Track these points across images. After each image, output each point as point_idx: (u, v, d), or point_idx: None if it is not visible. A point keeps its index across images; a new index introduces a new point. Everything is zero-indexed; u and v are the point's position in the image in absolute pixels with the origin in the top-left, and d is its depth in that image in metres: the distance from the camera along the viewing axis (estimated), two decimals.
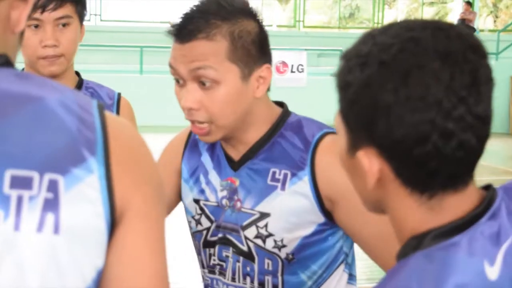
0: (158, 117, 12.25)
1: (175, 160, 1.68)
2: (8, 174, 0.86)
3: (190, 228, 1.66)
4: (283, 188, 1.51)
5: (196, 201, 1.62)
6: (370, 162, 0.96)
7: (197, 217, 1.62)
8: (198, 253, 1.66)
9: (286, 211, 1.51)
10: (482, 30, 20.29)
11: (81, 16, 2.08)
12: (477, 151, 0.95)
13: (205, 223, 1.60)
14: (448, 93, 0.90)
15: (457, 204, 0.96)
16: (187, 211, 1.66)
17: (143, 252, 0.93)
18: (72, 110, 0.91)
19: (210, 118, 1.48)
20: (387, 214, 1.02)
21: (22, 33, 0.98)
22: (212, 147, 1.62)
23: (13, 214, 0.86)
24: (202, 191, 1.61)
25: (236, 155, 1.57)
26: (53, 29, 2.00)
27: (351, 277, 1.61)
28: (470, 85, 0.92)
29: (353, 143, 0.98)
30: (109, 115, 0.95)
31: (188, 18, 1.47)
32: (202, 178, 1.62)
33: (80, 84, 2.24)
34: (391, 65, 0.92)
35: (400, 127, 0.91)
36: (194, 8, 1.48)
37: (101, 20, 17.54)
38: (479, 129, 0.93)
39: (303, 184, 1.50)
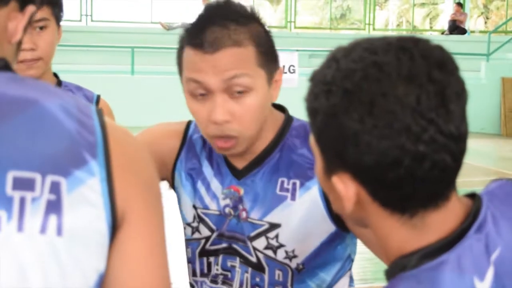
0: (149, 117, 12.20)
1: (167, 153, 1.60)
2: (11, 176, 0.87)
3: (185, 234, 1.61)
4: (293, 198, 1.48)
5: (195, 208, 1.57)
6: (346, 186, 0.95)
7: (194, 224, 1.57)
8: (190, 261, 1.61)
9: (298, 221, 1.48)
10: (473, 31, 20.36)
11: (58, 18, 2.07)
12: (453, 169, 0.94)
13: (205, 232, 1.56)
14: (415, 117, 0.89)
15: (441, 221, 0.95)
16: (182, 217, 1.61)
17: (144, 255, 0.94)
18: (72, 114, 0.92)
19: (241, 130, 1.42)
20: (373, 233, 1.00)
21: (19, 44, 0.99)
22: (210, 153, 1.56)
23: (16, 216, 0.86)
24: (201, 198, 1.56)
25: (240, 163, 1.52)
26: (30, 33, 1.97)
27: (351, 280, 1.61)
28: (438, 105, 0.90)
29: (328, 167, 0.97)
30: (108, 119, 0.96)
31: (208, 26, 1.40)
32: (200, 185, 1.56)
33: (58, 85, 2.21)
34: (355, 94, 0.91)
35: (370, 153, 0.90)
36: (208, 15, 1.43)
37: (92, 21, 17.50)
38: (453, 147, 0.92)
39: (314, 193, 1.47)
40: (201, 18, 1.43)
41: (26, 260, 0.86)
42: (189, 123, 1.61)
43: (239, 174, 1.52)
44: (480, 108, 14.28)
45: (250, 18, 1.44)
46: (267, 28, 1.47)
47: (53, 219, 0.87)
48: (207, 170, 1.56)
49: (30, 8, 0.98)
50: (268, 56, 1.44)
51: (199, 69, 1.40)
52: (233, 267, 1.54)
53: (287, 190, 1.49)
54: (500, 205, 0.99)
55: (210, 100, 1.41)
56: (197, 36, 1.40)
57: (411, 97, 0.89)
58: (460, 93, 0.93)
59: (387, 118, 0.89)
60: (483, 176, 9.92)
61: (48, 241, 0.87)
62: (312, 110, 0.97)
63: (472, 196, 1.00)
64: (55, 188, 0.88)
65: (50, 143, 0.89)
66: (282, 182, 1.49)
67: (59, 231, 0.87)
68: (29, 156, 0.88)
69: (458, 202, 0.97)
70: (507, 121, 14.29)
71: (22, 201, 0.86)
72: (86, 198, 0.89)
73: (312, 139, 1.01)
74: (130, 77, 13.66)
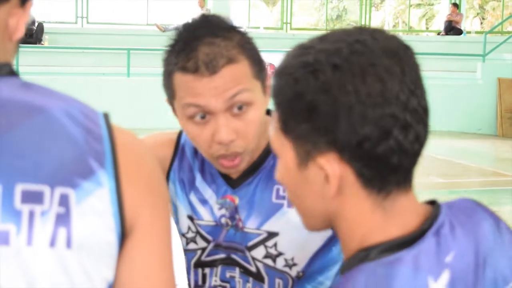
0: (145, 119, 12.20)
1: (159, 164, 1.58)
2: (19, 189, 0.86)
3: (181, 244, 1.58)
4: (289, 205, 1.45)
5: (190, 219, 1.54)
6: (332, 167, 0.95)
7: (190, 235, 1.54)
8: (187, 272, 1.59)
9: (295, 228, 1.44)
10: (469, 32, 20.39)
11: None
12: (424, 145, 0.99)
13: (201, 243, 1.53)
14: (402, 87, 0.94)
15: (405, 211, 0.98)
16: (178, 228, 1.57)
17: (151, 264, 0.93)
18: (79, 121, 0.91)
19: (245, 146, 1.40)
20: (337, 227, 1.01)
21: (18, 42, 0.98)
22: (202, 161, 1.54)
23: (26, 229, 0.85)
24: (195, 209, 1.52)
25: (234, 172, 1.49)
26: None
27: None
28: (415, 79, 0.97)
29: (304, 155, 0.97)
30: (116, 126, 0.95)
31: (197, 47, 1.36)
32: (194, 195, 1.53)
33: None
34: (346, 67, 0.94)
35: (364, 125, 0.93)
36: (192, 35, 1.38)
37: (87, 23, 17.49)
38: (427, 122, 0.98)
39: None
40: (186, 39, 1.38)
41: (36, 274, 0.86)
42: (181, 132, 1.58)
43: (234, 183, 1.50)
44: (476, 109, 14.30)
45: (232, 30, 1.41)
46: (248, 35, 1.44)
47: (62, 232, 0.86)
48: (201, 179, 1.53)
49: (30, 3, 0.97)
50: (259, 65, 1.42)
51: (198, 93, 1.36)
52: (233, 277, 1.52)
53: (283, 197, 1.47)
54: (459, 214, 1.03)
55: (211, 121, 1.38)
56: (188, 59, 1.36)
57: (396, 67, 0.95)
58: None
59: (379, 87, 0.93)
60: (479, 176, 9.93)
61: (58, 254, 0.86)
62: (292, 96, 0.97)
63: (432, 202, 1.03)
64: (64, 201, 0.87)
65: (58, 153, 0.88)
66: (278, 190, 1.47)
67: (69, 244, 0.87)
68: (37, 167, 0.87)
69: (418, 204, 1.01)
70: (504, 122, 14.31)
71: (31, 214, 0.86)
72: (95, 209, 0.88)
73: (275, 138, 1.01)
74: (126, 79, 13.65)
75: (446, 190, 8.71)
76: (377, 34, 0.98)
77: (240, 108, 1.37)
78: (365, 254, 0.96)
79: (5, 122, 0.88)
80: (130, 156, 0.93)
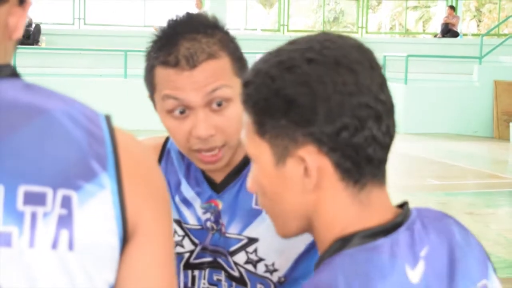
0: (143, 121, 12.19)
1: None
2: (21, 191, 0.86)
3: None
4: None
5: (177, 222, 1.53)
6: (311, 159, 0.98)
7: (177, 238, 1.53)
8: (177, 274, 1.56)
9: (274, 235, 1.45)
10: (465, 34, 20.42)
11: None
12: (393, 139, 1.02)
13: (188, 246, 1.52)
14: (372, 78, 0.99)
15: (380, 203, 1.02)
16: None
17: (153, 268, 0.93)
18: (81, 123, 0.91)
19: (225, 141, 1.40)
20: (314, 224, 1.02)
21: (17, 41, 0.98)
22: (188, 166, 1.53)
23: (28, 231, 0.85)
24: (181, 213, 1.52)
25: (218, 176, 1.49)
26: None
27: None
28: (381, 74, 1.01)
29: (282, 152, 0.99)
30: (117, 128, 0.95)
31: (179, 42, 1.37)
32: (179, 199, 1.53)
33: None
34: (320, 60, 0.98)
35: (341, 114, 0.96)
36: (174, 31, 1.40)
37: (85, 24, 17.48)
38: (394, 117, 1.02)
39: None
40: (168, 35, 1.40)
41: (37, 276, 0.86)
42: (168, 137, 1.57)
43: (217, 188, 1.51)
44: (472, 111, 14.31)
45: (215, 28, 1.42)
46: (232, 35, 1.45)
47: (64, 234, 0.86)
48: (186, 183, 1.53)
49: (29, 3, 0.96)
50: (241, 63, 1.43)
51: (178, 87, 1.37)
52: (219, 281, 1.51)
53: None
54: (429, 217, 1.06)
55: (190, 116, 1.39)
56: (170, 53, 1.37)
57: (365, 61, 1.00)
58: None
59: (352, 76, 0.97)
60: (476, 178, 9.94)
61: (60, 256, 0.86)
62: (270, 94, 0.99)
63: (402, 205, 1.06)
64: (66, 203, 0.87)
65: (60, 155, 0.88)
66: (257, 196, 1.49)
67: (71, 246, 0.87)
68: (39, 169, 0.87)
69: (389, 200, 1.04)
70: (500, 124, 14.33)
71: (34, 216, 0.85)
72: (97, 211, 0.88)
73: (249, 141, 1.03)
74: (123, 80, 13.65)
75: (442, 192, 8.72)
76: (341, 35, 1.04)
77: (219, 104, 1.38)
78: (345, 241, 0.98)
79: (8, 124, 0.88)
80: (132, 158, 0.93)
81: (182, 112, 1.39)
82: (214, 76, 1.37)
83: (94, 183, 0.88)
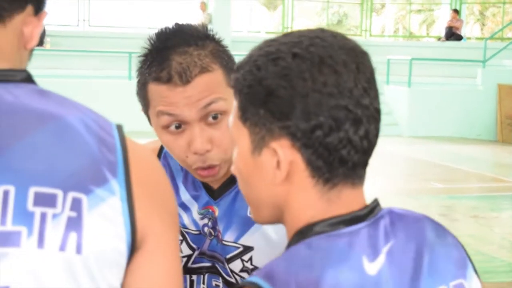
0: (146, 123, 12.21)
1: None
2: (32, 191, 0.86)
3: None
4: None
5: None
6: (284, 152, 0.99)
7: None
8: None
9: (269, 243, 1.45)
10: (469, 38, 20.39)
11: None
12: (374, 144, 1.02)
13: (186, 250, 1.52)
14: (356, 83, 0.98)
15: (350, 200, 1.02)
16: None
17: (161, 276, 0.94)
18: (93, 131, 0.92)
19: (222, 158, 1.39)
20: (284, 215, 1.04)
21: (32, 50, 0.99)
22: (186, 171, 1.52)
23: (37, 232, 0.86)
24: (179, 218, 1.50)
25: (215, 183, 1.48)
26: None
27: None
28: (369, 78, 1.01)
29: (258, 141, 1.01)
30: (128, 138, 0.96)
31: (170, 56, 1.36)
32: (177, 205, 1.46)
33: None
34: (305, 56, 0.98)
35: (318, 113, 0.97)
36: (164, 45, 1.37)
37: (89, 26, 17.50)
38: (377, 122, 1.02)
39: None
40: (158, 49, 1.38)
41: (44, 277, 0.86)
42: None
43: (214, 194, 1.49)
44: (476, 115, 14.30)
45: (206, 38, 1.40)
46: (223, 43, 1.43)
47: (73, 237, 0.87)
48: (184, 189, 1.53)
49: (44, 13, 0.97)
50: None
51: (171, 102, 1.36)
52: (218, 286, 1.51)
53: None
54: (402, 214, 1.06)
55: (186, 131, 1.38)
56: (162, 69, 1.35)
57: (352, 64, 0.99)
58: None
59: (334, 78, 0.97)
60: (479, 182, 9.93)
61: (67, 258, 0.87)
62: (253, 82, 1.00)
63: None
64: (76, 205, 0.87)
65: (72, 160, 0.89)
66: None
67: (79, 249, 0.87)
68: (51, 172, 0.87)
69: (364, 199, 1.04)
70: (503, 128, 14.31)
71: (43, 217, 0.86)
72: (106, 216, 0.89)
73: (233, 126, 1.05)
74: (128, 82, 13.66)
75: (446, 195, 8.71)
76: (337, 35, 1.03)
77: (215, 117, 1.37)
78: (306, 231, 1.00)
79: (22, 128, 0.89)
80: (142, 167, 0.94)
81: (178, 127, 1.38)
82: (208, 90, 1.36)
83: (104, 189, 0.89)
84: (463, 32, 19.00)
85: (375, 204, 1.04)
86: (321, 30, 1.04)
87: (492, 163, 11.81)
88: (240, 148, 1.04)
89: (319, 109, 0.97)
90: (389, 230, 1.02)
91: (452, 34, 18.16)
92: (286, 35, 1.04)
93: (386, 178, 8.98)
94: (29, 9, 0.95)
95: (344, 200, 1.01)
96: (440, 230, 1.08)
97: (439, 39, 19.19)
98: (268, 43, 1.03)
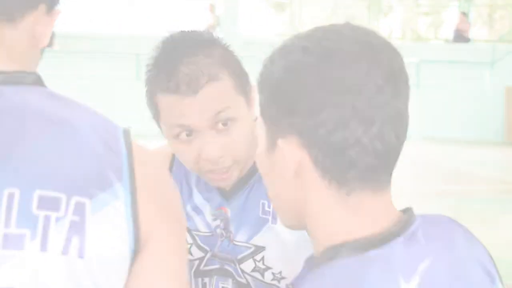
0: (154, 124, 12.24)
1: None
2: (37, 195, 0.87)
3: None
4: (274, 221, 1.44)
5: (187, 230, 1.52)
6: (291, 150, 0.95)
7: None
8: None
9: (281, 244, 1.45)
10: (477, 41, 20.34)
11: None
12: (392, 147, 0.95)
13: (197, 253, 1.52)
14: (369, 80, 0.91)
15: (374, 212, 0.95)
16: None
17: (164, 279, 0.93)
18: (99, 134, 0.92)
19: (234, 160, 1.39)
20: (306, 223, 0.99)
21: (43, 50, 0.98)
22: (198, 174, 1.52)
23: (40, 235, 0.86)
24: (191, 220, 1.52)
25: (224, 185, 1.48)
26: None
27: None
28: (388, 76, 0.93)
29: (272, 137, 0.97)
30: (135, 142, 0.95)
31: (177, 67, 1.35)
32: (190, 206, 1.52)
33: None
34: (314, 50, 0.93)
35: (322, 109, 0.91)
36: (171, 55, 1.37)
37: (97, 27, 17.52)
38: (398, 124, 0.94)
39: None
40: (165, 58, 1.37)
41: (46, 280, 0.86)
42: None
43: (226, 194, 1.49)
44: (484, 117, 14.26)
45: (212, 44, 1.40)
46: (229, 48, 1.42)
47: (75, 241, 0.87)
48: (196, 191, 1.53)
49: (57, 12, 0.97)
50: (241, 79, 1.40)
51: (182, 114, 1.36)
52: None
53: (268, 213, 1.46)
54: (434, 222, 1.00)
55: (197, 138, 1.38)
56: (169, 80, 1.35)
57: (365, 59, 0.93)
58: (406, 76, 0.97)
59: (343, 72, 0.92)
60: (486, 184, 9.90)
61: (69, 262, 0.87)
62: (267, 76, 0.98)
63: (406, 211, 1.00)
64: (79, 209, 0.87)
65: (77, 164, 0.89)
66: (264, 204, 1.46)
67: (81, 253, 0.87)
68: (56, 175, 0.88)
69: (392, 209, 0.98)
70: (511, 130, 14.27)
71: (47, 220, 0.86)
72: (110, 220, 0.89)
73: (259, 118, 1.01)
74: (135, 84, 13.68)
75: (453, 198, 8.69)
76: (358, 29, 0.97)
77: (225, 124, 1.36)
78: (335, 252, 0.94)
79: (29, 131, 0.89)
80: (147, 172, 0.94)
81: (188, 135, 1.38)
82: (217, 99, 1.35)
83: (108, 193, 0.89)
84: (471, 34, 18.96)
85: (409, 216, 0.98)
86: (345, 24, 0.98)
87: (500, 165, 11.78)
88: (260, 146, 1.02)
89: (323, 106, 0.91)
90: (425, 247, 0.96)
91: (460, 37, 18.12)
92: (313, 29, 0.99)
93: (393, 180, 8.96)
94: (42, 7, 0.94)
95: (368, 210, 0.95)
96: (469, 240, 1.02)
97: (447, 41, 19.15)
98: (291, 37, 0.99)
